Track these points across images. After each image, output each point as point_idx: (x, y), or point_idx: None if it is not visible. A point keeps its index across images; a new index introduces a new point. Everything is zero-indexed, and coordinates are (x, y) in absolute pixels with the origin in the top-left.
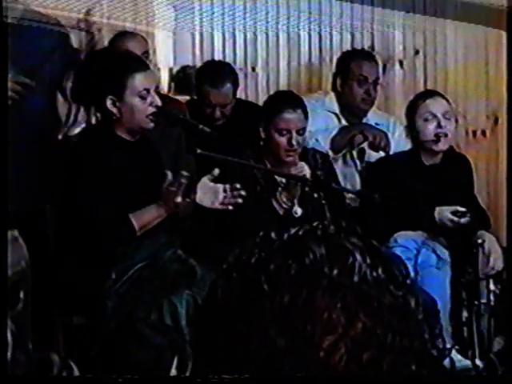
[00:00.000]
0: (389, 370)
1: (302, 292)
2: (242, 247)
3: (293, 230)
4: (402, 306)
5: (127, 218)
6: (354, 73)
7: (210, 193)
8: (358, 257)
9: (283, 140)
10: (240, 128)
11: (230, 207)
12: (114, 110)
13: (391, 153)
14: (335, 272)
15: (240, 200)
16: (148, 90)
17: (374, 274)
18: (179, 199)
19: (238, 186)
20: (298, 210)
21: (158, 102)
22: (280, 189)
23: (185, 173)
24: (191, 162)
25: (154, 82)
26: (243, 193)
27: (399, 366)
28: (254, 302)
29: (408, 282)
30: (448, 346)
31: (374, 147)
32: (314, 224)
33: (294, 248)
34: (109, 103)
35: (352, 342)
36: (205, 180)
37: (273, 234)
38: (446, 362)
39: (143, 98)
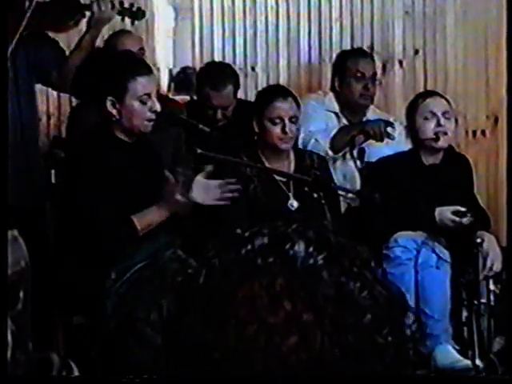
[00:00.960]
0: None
1: (232, 278)
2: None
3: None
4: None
5: (130, 219)
6: (351, 70)
7: (205, 189)
8: (301, 245)
9: (277, 128)
10: (240, 128)
11: (225, 202)
12: (114, 112)
13: (391, 153)
14: (278, 261)
15: (235, 194)
16: (149, 95)
17: (312, 261)
18: (179, 197)
19: (232, 181)
20: (294, 203)
21: (158, 107)
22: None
23: (180, 169)
24: (189, 162)
25: (155, 87)
26: (238, 187)
27: (330, 354)
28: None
29: (355, 270)
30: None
31: (379, 138)
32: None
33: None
34: (108, 104)
35: (274, 330)
36: (199, 177)
37: (264, 230)
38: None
39: (143, 103)
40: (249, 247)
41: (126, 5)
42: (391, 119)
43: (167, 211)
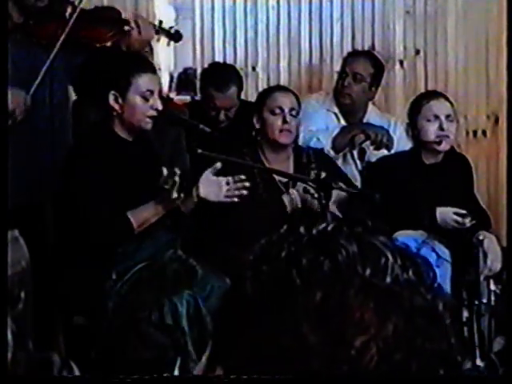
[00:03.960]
0: (417, 372)
1: (335, 289)
2: (267, 240)
3: (321, 226)
4: (431, 309)
5: (125, 215)
6: (341, 68)
7: (214, 186)
8: (390, 257)
9: (277, 119)
10: (242, 128)
11: (235, 199)
12: (116, 107)
13: (392, 152)
14: (368, 272)
15: (244, 191)
16: (152, 92)
17: (405, 275)
18: (174, 195)
19: (241, 177)
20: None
21: (159, 105)
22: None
23: (178, 170)
24: (187, 162)
25: (158, 85)
26: (247, 184)
27: (427, 368)
28: (285, 296)
29: (435, 285)
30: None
31: (376, 145)
32: (340, 220)
33: (325, 244)
34: (111, 98)
35: (383, 342)
36: (207, 174)
37: (301, 229)
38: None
39: (145, 99)
40: (344, 254)
41: (166, 26)
42: (392, 120)
43: (163, 208)
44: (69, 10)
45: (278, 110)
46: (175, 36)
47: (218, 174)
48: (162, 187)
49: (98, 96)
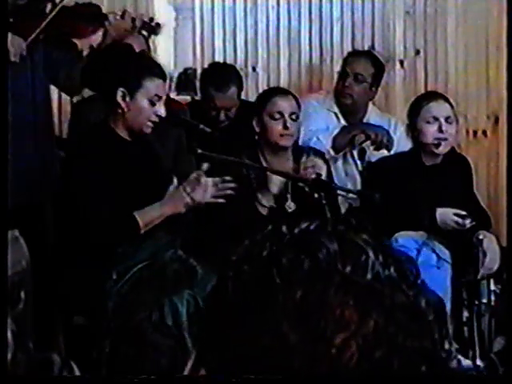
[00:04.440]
0: (399, 369)
1: (315, 287)
2: (251, 240)
3: (303, 225)
4: (413, 306)
5: (132, 215)
6: (341, 69)
7: (201, 187)
8: (371, 254)
9: (277, 124)
10: (242, 128)
11: (221, 200)
12: (122, 104)
13: (392, 153)
14: (348, 269)
15: (230, 192)
16: (159, 98)
17: (387, 272)
18: (186, 198)
19: (227, 178)
20: (292, 205)
21: (163, 112)
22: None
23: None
24: (191, 162)
25: (165, 93)
26: (233, 185)
27: (409, 365)
28: (266, 296)
29: (419, 281)
30: (453, 348)
31: (376, 146)
32: (324, 219)
33: (306, 243)
34: (119, 95)
35: (364, 339)
36: (195, 174)
37: (283, 228)
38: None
39: (152, 104)
40: (324, 252)
41: (146, 19)
42: (393, 120)
43: (170, 210)
44: (49, 6)
45: (277, 115)
46: (155, 28)
47: (208, 174)
48: (178, 191)
49: (105, 90)
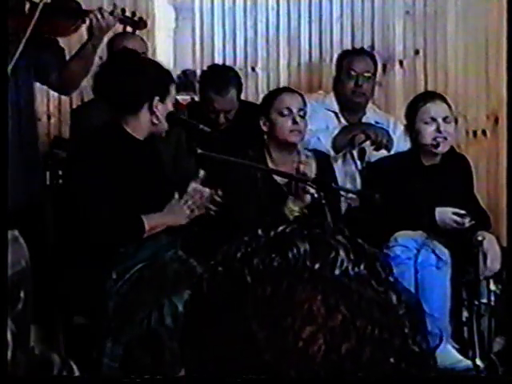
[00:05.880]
0: (367, 362)
1: (283, 284)
2: (230, 244)
3: (280, 228)
4: (383, 301)
5: (139, 216)
6: (344, 67)
7: (199, 199)
8: (342, 252)
9: (286, 121)
10: (242, 128)
11: (199, 212)
12: (157, 112)
13: (392, 152)
14: (317, 266)
15: (215, 208)
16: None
17: (356, 269)
18: (187, 212)
19: (220, 193)
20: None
21: (165, 127)
22: (290, 197)
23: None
24: (191, 164)
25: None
26: (220, 200)
27: (378, 358)
28: (238, 295)
29: (391, 279)
30: (433, 344)
31: (376, 145)
32: (300, 223)
33: (279, 243)
34: (155, 102)
35: (331, 333)
36: (193, 184)
37: (259, 231)
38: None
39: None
40: (294, 251)
41: (128, 13)
42: (392, 120)
43: (171, 222)
44: (27, 5)
45: (286, 111)
46: (139, 24)
47: (206, 181)
48: (181, 206)
49: (140, 97)
